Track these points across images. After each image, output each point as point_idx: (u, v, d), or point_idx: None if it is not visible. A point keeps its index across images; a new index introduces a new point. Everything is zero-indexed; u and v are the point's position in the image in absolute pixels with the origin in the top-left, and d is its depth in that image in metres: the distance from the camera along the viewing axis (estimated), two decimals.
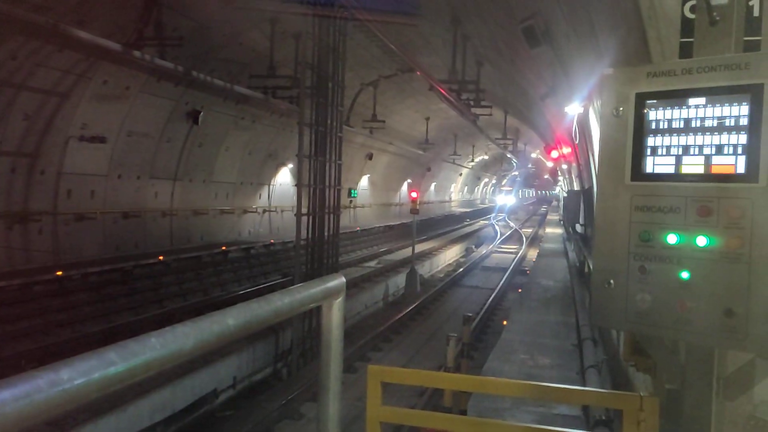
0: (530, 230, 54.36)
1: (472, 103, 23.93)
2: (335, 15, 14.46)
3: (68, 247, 16.21)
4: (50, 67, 14.04)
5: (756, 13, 2.54)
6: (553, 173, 49.21)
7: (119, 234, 18.31)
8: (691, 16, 2.61)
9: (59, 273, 14.67)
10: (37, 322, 13.23)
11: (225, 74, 19.26)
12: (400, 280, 23.31)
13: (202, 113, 19.76)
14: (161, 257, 18.35)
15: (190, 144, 20.63)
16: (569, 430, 2.92)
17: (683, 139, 2.36)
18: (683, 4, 2.67)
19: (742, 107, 2.24)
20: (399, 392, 11.10)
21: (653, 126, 2.42)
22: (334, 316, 2.23)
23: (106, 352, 1.19)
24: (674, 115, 2.38)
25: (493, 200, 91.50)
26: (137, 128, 17.95)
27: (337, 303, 2.23)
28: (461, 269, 29.20)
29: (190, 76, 17.13)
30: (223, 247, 21.56)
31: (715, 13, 2.40)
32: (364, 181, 39.40)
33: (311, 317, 13.99)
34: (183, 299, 17.96)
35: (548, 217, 66.03)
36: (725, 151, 2.27)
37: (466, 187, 77.34)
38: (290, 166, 27.83)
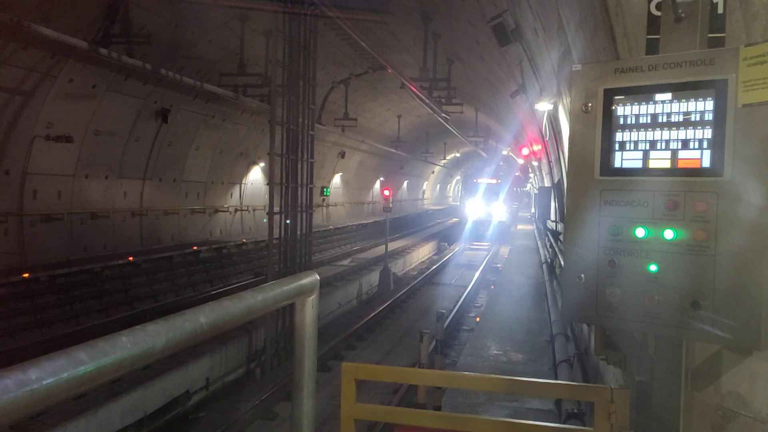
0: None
1: (443, 100, 24.03)
2: (305, 12, 14.40)
3: (35, 248, 15.90)
4: (14, 65, 13.76)
5: (720, 10, 2.59)
6: (524, 170, 49.65)
7: (87, 235, 18.02)
8: (657, 13, 2.65)
9: (25, 275, 14.40)
10: (2, 326, 12.98)
11: (194, 72, 19.07)
12: (373, 278, 23.31)
13: (171, 112, 19.54)
14: (131, 258, 18.11)
15: (159, 143, 20.39)
16: (542, 423, 2.95)
17: (650, 134, 2.40)
18: (649, 2, 2.71)
19: (707, 102, 2.28)
20: (373, 389, 11.10)
21: (621, 121, 2.46)
22: (308, 314, 2.22)
23: (75, 351, 1.17)
24: (641, 110, 2.41)
25: (461, 208, 47.45)
26: (105, 127, 17.68)
27: (311, 300, 2.22)
28: (434, 266, 29.29)
29: (158, 74, 16.92)
30: (194, 247, 21.35)
31: (680, 10, 2.44)
32: (336, 180, 39.32)
33: (285, 315, 13.93)
34: (154, 300, 17.76)
35: (519, 214, 66.64)
36: (691, 146, 2.32)
37: (438, 185, 77.62)
38: (262, 164, 27.67)
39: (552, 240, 18.26)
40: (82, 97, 16.10)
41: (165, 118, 19.41)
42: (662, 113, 2.38)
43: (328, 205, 38.01)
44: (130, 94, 17.81)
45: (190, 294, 19.02)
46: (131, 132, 18.89)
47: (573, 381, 7.86)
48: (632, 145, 2.44)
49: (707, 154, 2.29)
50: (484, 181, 44.46)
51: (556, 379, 8.46)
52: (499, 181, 45.69)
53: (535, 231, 36.15)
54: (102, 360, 1.21)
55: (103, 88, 16.66)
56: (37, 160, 15.72)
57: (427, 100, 21.90)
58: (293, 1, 13.88)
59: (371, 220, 41.00)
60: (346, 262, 26.68)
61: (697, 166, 2.31)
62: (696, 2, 2.43)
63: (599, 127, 2.48)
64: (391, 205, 23.94)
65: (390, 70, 19.87)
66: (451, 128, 30.42)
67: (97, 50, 14.40)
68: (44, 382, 1.07)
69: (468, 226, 41.54)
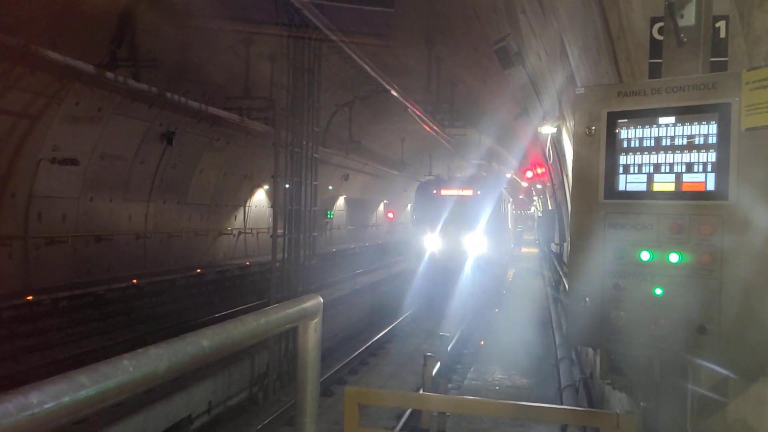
0: None
1: (446, 123, 24.12)
2: (310, 36, 14.53)
3: (39, 271, 15.91)
4: (21, 89, 13.88)
5: (722, 34, 2.60)
6: (528, 193, 49.65)
7: (91, 257, 18.03)
8: (660, 37, 2.66)
9: (29, 298, 14.39)
10: (5, 348, 12.93)
11: (200, 95, 19.20)
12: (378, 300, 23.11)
13: (176, 135, 19.65)
14: (134, 280, 18.09)
15: (164, 166, 20.47)
16: None
17: (654, 158, 2.40)
18: (651, 26, 2.73)
19: (710, 126, 2.29)
20: (377, 413, 11.00)
21: (625, 144, 2.46)
22: (311, 337, 2.21)
23: (76, 375, 1.17)
24: (645, 133, 2.42)
25: (413, 239, 25.43)
26: (110, 150, 17.78)
27: (314, 324, 2.21)
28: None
29: (164, 97, 17.05)
30: (198, 270, 21.33)
31: (682, 35, 2.45)
32: (340, 202, 39.37)
33: (288, 338, 13.86)
34: (156, 323, 17.69)
35: (523, 236, 66.38)
36: (695, 169, 2.32)
37: None
38: (266, 187, 27.74)
39: (556, 263, 18.21)
40: (88, 120, 16.21)
41: (170, 141, 19.51)
42: (666, 136, 2.38)
43: (331, 228, 38.02)
44: (136, 117, 17.92)
45: (193, 317, 18.97)
46: (136, 155, 18.98)
47: (579, 406, 7.78)
48: (636, 168, 2.44)
49: (712, 177, 2.29)
50: (451, 193, 23.79)
51: (561, 403, 8.38)
52: (478, 192, 23.48)
53: (539, 254, 36.05)
54: (104, 384, 1.20)
55: (109, 112, 16.78)
56: (42, 183, 15.79)
57: (430, 123, 21.99)
58: (298, 25, 14.00)
59: (375, 243, 40.81)
60: (347, 285, 26.56)
61: (702, 189, 2.30)
62: (698, 27, 2.45)
63: (603, 150, 2.49)
64: (393, 227, 23.77)
65: (393, 93, 20.00)
66: (454, 150, 30.54)
67: (103, 74, 14.53)
68: (45, 406, 1.06)
69: (422, 270, 23.33)
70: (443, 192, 23.96)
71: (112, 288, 17.07)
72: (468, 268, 22.69)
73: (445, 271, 22.63)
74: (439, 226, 23.32)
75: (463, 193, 23.80)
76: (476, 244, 23.00)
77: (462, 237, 23.10)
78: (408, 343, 17.90)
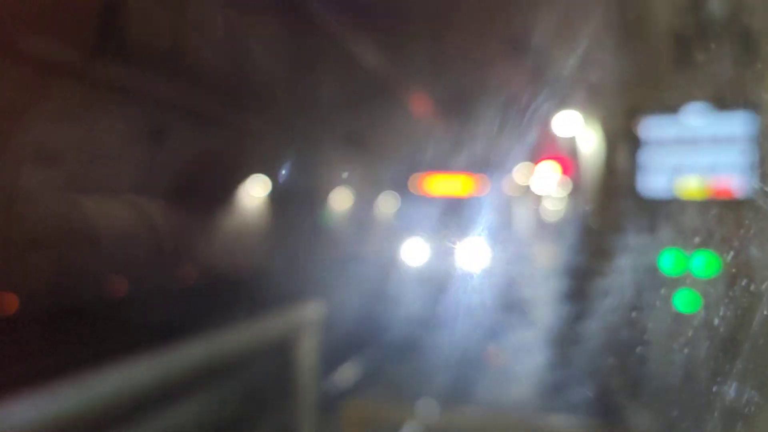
0: None
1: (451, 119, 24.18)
2: (309, 28, 14.49)
3: (24, 273, 15.65)
4: (3, 83, 13.69)
5: (752, 29, 2.50)
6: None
7: (79, 258, 17.79)
8: (686, 31, 2.56)
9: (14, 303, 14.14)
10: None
11: (193, 89, 19.08)
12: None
13: (166, 130, 19.52)
14: (124, 283, 17.89)
15: (154, 162, 20.32)
16: None
17: (678, 155, 2.30)
18: (678, 20, 2.63)
19: (738, 124, 2.19)
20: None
21: (647, 142, 2.35)
22: (310, 345, 2.11)
23: (61, 387, 1.06)
24: (669, 131, 2.32)
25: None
26: (97, 147, 17.59)
27: (312, 333, 2.11)
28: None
29: (154, 91, 16.91)
30: (190, 271, 21.18)
31: (710, 30, 2.35)
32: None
33: (285, 348, 13.67)
34: (148, 330, 17.49)
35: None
36: (722, 168, 2.21)
37: None
38: (264, 185, 27.72)
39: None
40: (73, 116, 16.02)
41: (160, 137, 19.39)
42: (691, 134, 2.27)
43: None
44: (124, 113, 17.75)
45: (187, 324, 18.78)
46: (124, 151, 18.81)
47: (595, 422, 7.67)
48: (659, 166, 2.33)
49: (739, 176, 2.18)
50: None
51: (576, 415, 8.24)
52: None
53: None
54: (89, 396, 1.10)
55: (96, 106, 16.59)
56: (26, 182, 15.57)
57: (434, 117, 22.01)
58: (296, 17, 13.93)
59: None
60: None
61: (729, 189, 2.19)
62: (727, 22, 2.34)
63: (625, 147, 2.38)
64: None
65: (397, 86, 19.96)
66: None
67: (92, 68, 14.38)
68: (28, 419, 0.98)
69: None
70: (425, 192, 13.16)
71: (101, 291, 16.81)
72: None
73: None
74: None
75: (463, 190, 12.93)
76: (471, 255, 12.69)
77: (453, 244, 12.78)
78: None
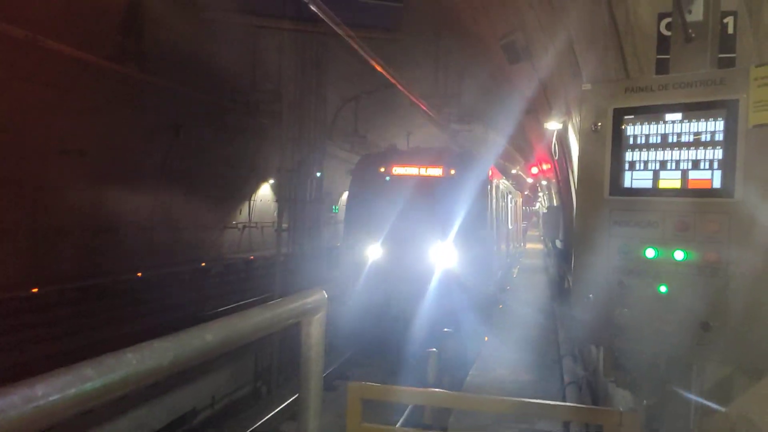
0: None
1: (453, 118, 24.08)
2: (318, 30, 14.52)
3: (46, 262, 15.98)
4: (28, 80, 13.92)
5: (730, 30, 2.59)
6: (533, 189, 49.58)
7: (98, 249, 18.09)
8: (667, 32, 2.65)
9: (35, 290, 14.46)
10: (11, 339, 13.01)
11: (207, 87, 19.22)
12: None
13: (183, 127, 19.68)
14: (140, 273, 18.15)
15: (171, 158, 20.51)
16: None
17: (660, 154, 2.39)
18: (659, 21, 2.72)
19: (717, 123, 2.28)
20: (378, 408, 11.01)
21: (631, 141, 2.45)
22: (315, 332, 2.21)
23: (82, 367, 1.17)
24: (651, 130, 2.41)
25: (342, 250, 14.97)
26: (117, 142, 17.82)
27: (318, 318, 2.21)
28: None
29: (171, 89, 17.07)
30: (203, 264, 21.40)
31: (690, 30, 2.44)
32: (346, 197, 39.37)
33: (292, 333, 13.84)
34: (162, 315, 17.76)
35: (528, 232, 66.01)
36: (702, 166, 2.31)
37: None
38: (271, 181, 27.77)
39: (560, 259, 18.18)
40: (95, 111, 16.25)
41: (177, 133, 19.55)
42: (672, 133, 2.37)
43: (336, 222, 38.05)
44: (143, 109, 17.95)
45: (197, 310, 19.03)
46: (143, 146, 19.03)
47: (581, 402, 7.78)
48: (642, 164, 2.43)
49: (718, 174, 2.28)
50: (403, 173, 14.55)
51: (564, 400, 8.38)
52: (452, 172, 14.28)
53: (544, 250, 36.01)
54: (108, 376, 1.21)
55: (117, 103, 16.82)
56: (50, 174, 15.84)
57: (435, 117, 21.94)
58: (305, 19, 14.01)
59: None
60: None
61: (708, 186, 2.30)
62: (706, 22, 2.44)
63: (609, 146, 2.48)
64: None
65: (399, 87, 19.94)
66: (458, 145, 30.46)
67: (111, 65, 14.55)
68: (50, 398, 1.07)
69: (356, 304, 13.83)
70: (392, 169, 14.49)
71: (119, 279, 17.13)
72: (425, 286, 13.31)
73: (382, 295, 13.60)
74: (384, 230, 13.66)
75: (422, 170, 14.34)
76: (434, 253, 13.60)
77: (414, 240, 13.63)
78: None
